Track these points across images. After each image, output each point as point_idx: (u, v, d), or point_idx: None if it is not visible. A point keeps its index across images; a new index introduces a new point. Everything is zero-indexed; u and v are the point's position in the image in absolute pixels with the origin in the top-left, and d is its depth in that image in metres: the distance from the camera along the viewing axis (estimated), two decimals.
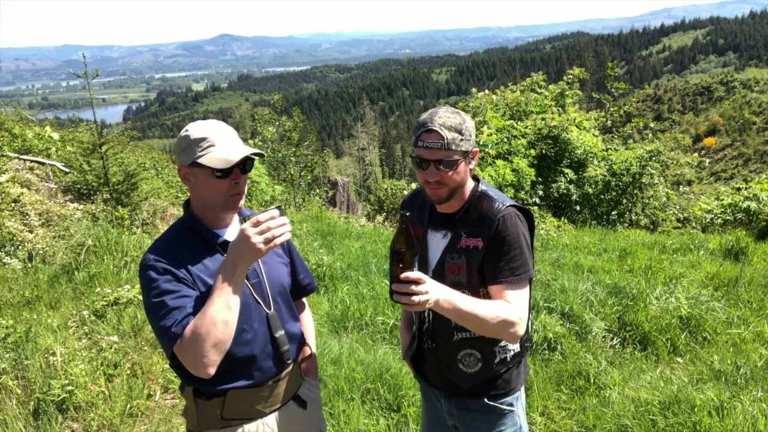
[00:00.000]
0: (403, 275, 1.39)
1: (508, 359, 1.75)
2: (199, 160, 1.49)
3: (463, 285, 1.64)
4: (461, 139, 1.56)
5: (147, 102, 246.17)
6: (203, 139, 1.50)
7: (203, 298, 1.48)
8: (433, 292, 1.42)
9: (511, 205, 1.66)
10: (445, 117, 1.56)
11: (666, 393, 3.31)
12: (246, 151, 1.52)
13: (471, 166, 1.67)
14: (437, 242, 1.73)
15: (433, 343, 1.77)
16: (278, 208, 1.46)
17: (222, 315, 1.39)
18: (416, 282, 1.39)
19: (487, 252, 1.62)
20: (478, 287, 1.65)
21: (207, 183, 1.52)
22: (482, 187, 1.72)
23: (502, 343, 1.72)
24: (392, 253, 1.42)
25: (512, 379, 1.77)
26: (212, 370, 1.41)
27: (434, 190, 1.62)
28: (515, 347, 1.76)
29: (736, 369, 3.73)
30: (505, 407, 1.76)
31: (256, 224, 1.40)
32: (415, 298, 1.38)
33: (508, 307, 1.55)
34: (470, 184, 1.72)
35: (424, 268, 1.71)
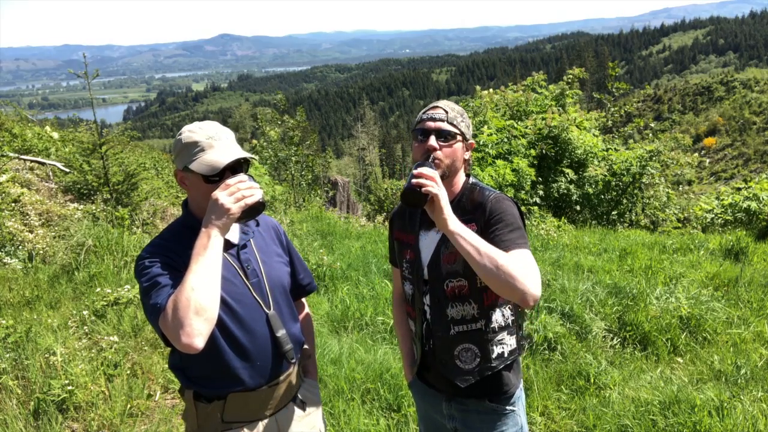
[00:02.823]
0: (417, 171, 1.51)
1: (506, 354, 1.74)
2: (190, 166, 1.49)
3: (459, 273, 1.66)
4: (462, 121, 1.70)
5: (147, 102, 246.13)
6: (194, 144, 1.50)
7: None
8: (442, 191, 1.50)
9: (500, 193, 1.73)
10: (448, 102, 1.75)
11: (666, 393, 3.31)
12: (235, 154, 1.50)
13: (466, 156, 1.74)
14: (431, 239, 1.75)
15: (431, 341, 1.77)
16: (248, 175, 1.49)
17: (201, 280, 1.35)
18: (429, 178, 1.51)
19: (483, 233, 1.61)
20: (476, 275, 1.61)
21: (200, 187, 1.52)
22: (473, 180, 1.79)
23: (499, 337, 1.72)
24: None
25: (511, 379, 1.77)
26: (199, 342, 1.33)
27: None
28: (512, 343, 1.75)
29: (736, 369, 3.72)
30: (506, 407, 1.76)
31: (225, 188, 1.42)
32: (429, 182, 1.49)
33: (515, 260, 1.50)
34: (462, 177, 1.77)
35: (419, 268, 1.75)
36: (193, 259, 1.37)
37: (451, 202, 1.70)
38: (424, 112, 1.72)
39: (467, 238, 1.50)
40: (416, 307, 1.80)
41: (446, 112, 1.68)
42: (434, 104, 1.73)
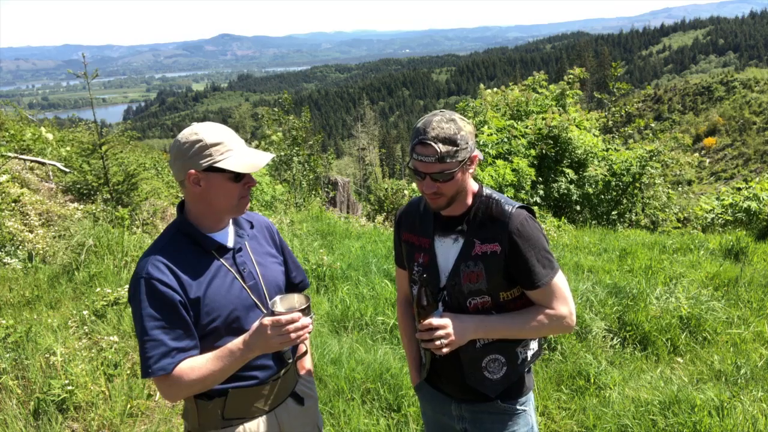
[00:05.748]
0: (425, 321, 1.56)
1: (529, 358, 1.73)
2: (220, 164, 1.48)
3: (483, 291, 1.63)
4: (456, 150, 1.51)
5: (147, 102, 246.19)
6: (219, 144, 1.49)
7: (192, 303, 1.49)
8: (458, 333, 1.56)
9: (519, 207, 1.65)
10: (438, 128, 1.50)
11: (666, 393, 3.31)
12: (268, 156, 1.55)
13: (471, 170, 1.62)
14: (447, 248, 1.68)
15: (457, 353, 1.70)
16: (305, 308, 1.49)
17: (213, 380, 1.49)
18: (438, 328, 1.55)
19: (510, 258, 1.59)
20: (499, 291, 1.64)
21: (223, 187, 1.51)
22: (486, 190, 1.70)
23: (524, 342, 1.71)
24: (417, 310, 1.59)
25: (526, 380, 1.77)
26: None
27: (433, 200, 1.61)
28: (534, 346, 1.75)
29: (736, 369, 3.72)
30: (517, 407, 1.75)
31: (277, 324, 1.44)
32: (438, 342, 1.54)
33: (550, 311, 1.62)
34: (473, 186, 1.69)
35: (437, 278, 1.69)
36: (220, 360, 1.48)
37: (465, 215, 1.67)
38: (413, 146, 1.53)
39: (501, 329, 1.61)
40: None
41: (437, 150, 1.48)
42: (422, 138, 1.50)
